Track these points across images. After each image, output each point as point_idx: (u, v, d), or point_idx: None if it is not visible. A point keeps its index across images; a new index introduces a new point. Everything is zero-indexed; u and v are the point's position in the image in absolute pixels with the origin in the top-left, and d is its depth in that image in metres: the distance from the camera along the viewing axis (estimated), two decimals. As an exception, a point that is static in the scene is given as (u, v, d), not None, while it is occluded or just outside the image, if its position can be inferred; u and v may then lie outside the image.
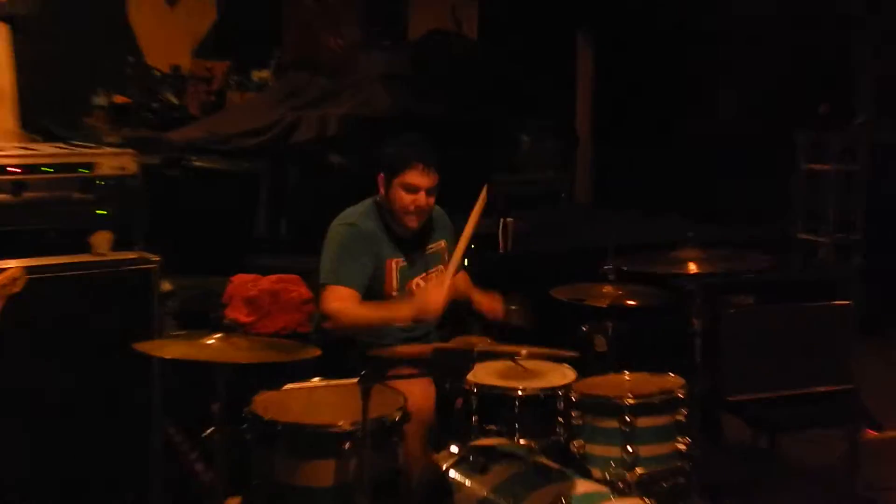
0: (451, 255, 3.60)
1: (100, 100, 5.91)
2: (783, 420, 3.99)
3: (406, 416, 2.88)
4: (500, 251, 4.99)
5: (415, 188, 3.44)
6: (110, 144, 4.56)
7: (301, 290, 4.26)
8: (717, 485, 3.65)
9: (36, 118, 5.36)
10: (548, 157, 6.61)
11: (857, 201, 6.57)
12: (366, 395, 2.63)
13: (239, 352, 2.76)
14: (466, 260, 3.58)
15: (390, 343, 3.37)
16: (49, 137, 4.80)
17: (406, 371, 2.93)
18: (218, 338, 2.79)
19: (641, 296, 3.72)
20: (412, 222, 3.49)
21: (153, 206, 3.59)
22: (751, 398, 3.93)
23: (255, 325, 4.10)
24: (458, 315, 3.61)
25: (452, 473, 3.01)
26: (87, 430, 3.20)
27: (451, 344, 2.98)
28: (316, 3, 6.66)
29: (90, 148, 3.61)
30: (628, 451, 3.12)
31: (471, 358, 2.89)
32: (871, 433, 3.95)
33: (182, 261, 4.12)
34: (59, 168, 3.38)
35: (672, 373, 3.39)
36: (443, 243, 3.65)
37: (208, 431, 2.76)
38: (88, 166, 3.41)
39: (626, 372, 3.45)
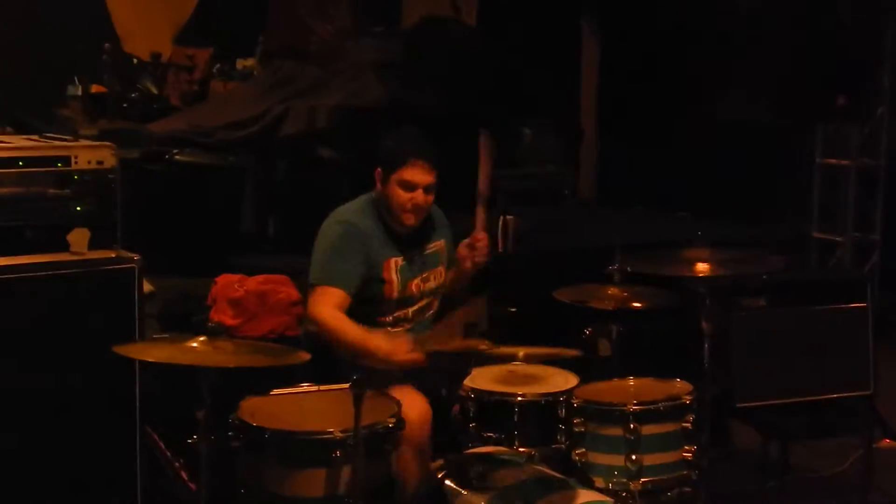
0: (450, 256, 3.65)
1: (75, 89, 5.92)
2: (795, 428, 4.03)
3: (400, 423, 2.91)
4: (500, 251, 4.98)
5: (413, 185, 3.42)
6: (86, 137, 4.56)
7: (289, 292, 4.27)
8: (725, 495, 3.69)
9: (8, 109, 5.38)
10: (550, 151, 6.60)
11: (876, 199, 6.55)
12: (358, 401, 2.67)
13: (224, 356, 2.77)
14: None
15: None
16: (22, 129, 4.82)
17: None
18: (202, 341, 2.79)
19: (648, 297, 3.74)
20: (410, 220, 3.47)
21: (133, 203, 3.60)
22: (761, 405, 3.94)
23: (241, 327, 4.10)
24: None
25: (449, 484, 3.05)
26: (66, 436, 3.22)
27: (448, 347, 3.01)
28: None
29: (66, 140, 3.60)
30: (632, 459, 3.16)
31: (468, 362, 2.92)
32: (888, 442, 3.99)
33: (164, 261, 4.12)
34: (32, 162, 3.39)
35: (679, 378, 3.42)
36: (442, 243, 3.65)
37: (193, 439, 2.78)
38: (65, 160, 3.41)
39: (631, 377, 3.49)
